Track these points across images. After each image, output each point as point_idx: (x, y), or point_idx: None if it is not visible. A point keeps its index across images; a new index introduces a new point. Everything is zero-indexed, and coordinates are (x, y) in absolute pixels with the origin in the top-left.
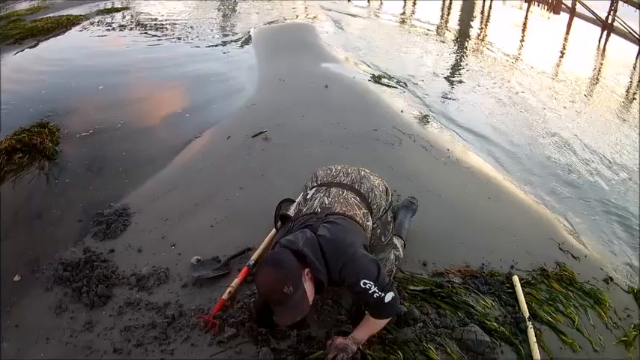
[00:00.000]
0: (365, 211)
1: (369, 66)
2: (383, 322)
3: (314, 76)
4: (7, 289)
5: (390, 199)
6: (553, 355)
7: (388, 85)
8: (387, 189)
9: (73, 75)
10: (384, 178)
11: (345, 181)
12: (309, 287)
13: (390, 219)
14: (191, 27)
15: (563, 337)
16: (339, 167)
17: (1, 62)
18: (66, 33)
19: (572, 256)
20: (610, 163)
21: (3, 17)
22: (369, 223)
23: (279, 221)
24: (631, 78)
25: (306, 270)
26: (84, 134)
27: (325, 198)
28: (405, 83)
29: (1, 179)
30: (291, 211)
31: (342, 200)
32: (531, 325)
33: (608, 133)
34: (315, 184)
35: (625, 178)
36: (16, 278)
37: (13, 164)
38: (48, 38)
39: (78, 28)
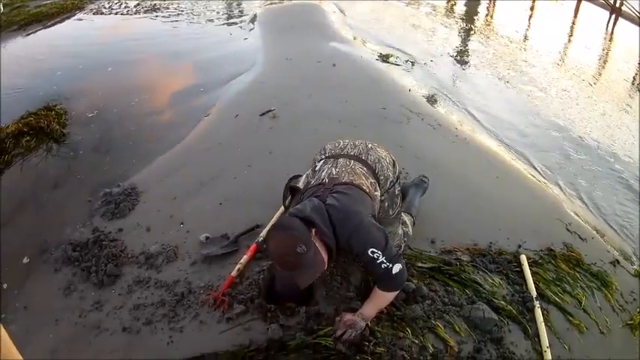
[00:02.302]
0: (372, 180)
1: (376, 45)
2: (391, 296)
3: (321, 55)
4: (15, 272)
5: (397, 172)
6: (559, 336)
7: (396, 64)
8: (393, 161)
9: (81, 58)
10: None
11: (352, 153)
12: (320, 246)
13: (397, 192)
14: (198, 8)
15: (570, 318)
16: (347, 140)
17: (4, 50)
18: (72, 17)
19: (580, 237)
20: (619, 146)
21: (7, 4)
22: (377, 194)
23: (289, 193)
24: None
25: (314, 230)
26: (91, 116)
27: (333, 169)
28: (412, 62)
29: (9, 162)
30: (300, 184)
31: (349, 170)
32: (538, 305)
33: (616, 117)
34: (323, 157)
35: (633, 161)
36: (25, 260)
37: (20, 147)
38: (54, 23)
39: (84, 11)
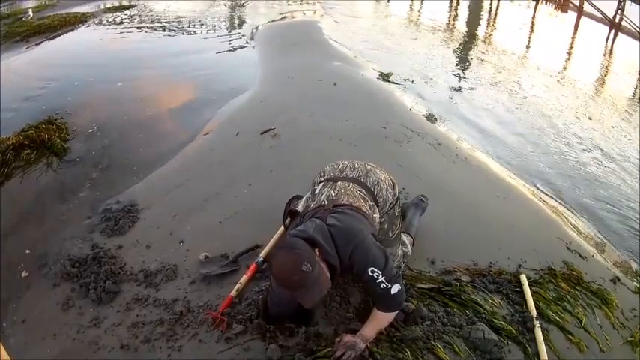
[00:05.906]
0: (371, 203)
1: (377, 64)
2: (390, 317)
3: (322, 73)
4: (14, 285)
5: (396, 194)
6: (560, 355)
7: (396, 83)
8: (393, 184)
9: (83, 72)
10: (392, 174)
11: (351, 176)
12: (324, 265)
13: (397, 214)
14: (199, 24)
15: (570, 337)
16: (346, 162)
17: (10, 60)
18: (75, 31)
19: (580, 255)
20: (620, 163)
21: (10, 15)
22: (376, 216)
23: (288, 216)
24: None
25: (317, 249)
26: (92, 131)
27: (332, 191)
28: (413, 81)
29: (9, 175)
30: (300, 207)
31: (348, 193)
32: (538, 324)
33: (616, 133)
34: (322, 179)
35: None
36: (24, 274)
37: (21, 160)
38: (56, 36)
39: (87, 25)
